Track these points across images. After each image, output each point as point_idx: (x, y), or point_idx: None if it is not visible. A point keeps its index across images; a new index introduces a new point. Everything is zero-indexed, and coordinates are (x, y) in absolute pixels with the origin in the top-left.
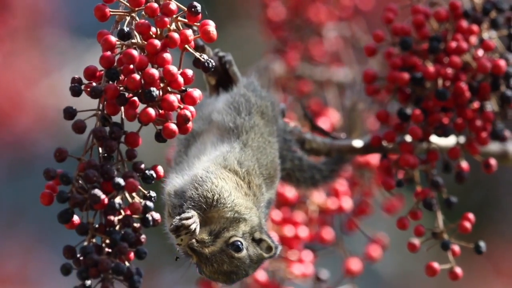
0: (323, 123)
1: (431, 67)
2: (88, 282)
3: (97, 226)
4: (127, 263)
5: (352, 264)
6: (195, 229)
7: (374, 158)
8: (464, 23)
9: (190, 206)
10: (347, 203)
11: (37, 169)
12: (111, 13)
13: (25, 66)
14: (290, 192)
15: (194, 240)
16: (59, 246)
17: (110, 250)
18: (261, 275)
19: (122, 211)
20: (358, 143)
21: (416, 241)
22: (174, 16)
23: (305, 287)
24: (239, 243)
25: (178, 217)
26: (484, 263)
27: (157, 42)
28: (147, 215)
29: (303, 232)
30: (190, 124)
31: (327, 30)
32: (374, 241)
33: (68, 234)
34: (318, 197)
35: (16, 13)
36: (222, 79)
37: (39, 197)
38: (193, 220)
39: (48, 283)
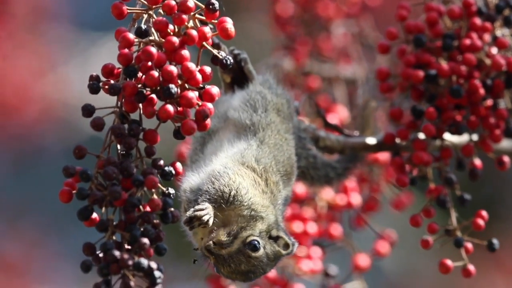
0: (332, 119)
1: (445, 65)
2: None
3: (116, 223)
4: (147, 260)
5: (360, 260)
6: (207, 220)
7: (382, 155)
8: (478, 21)
9: (205, 199)
10: (356, 199)
11: (43, 161)
12: (128, 10)
13: (31, 60)
14: (299, 188)
15: (211, 242)
16: (64, 239)
17: (130, 247)
18: (271, 272)
19: (141, 208)
20: (371, 140)
21: (430, 238)
22: (192, 13)
23: (314, 283)
24: (256, 242)
25: (191, 210)
26: (487, 260)
27: (175, 39)
28: (167, 211)
29: (312, 228)
30: (208, 121)
31: (335, 26)
32: (383, 237)
33: (74, 227)
34: (327, 194)
35: (22, 7)
36: (237, 76)
37: (45, 189)
38: (206, 211)
39: (53, 275)
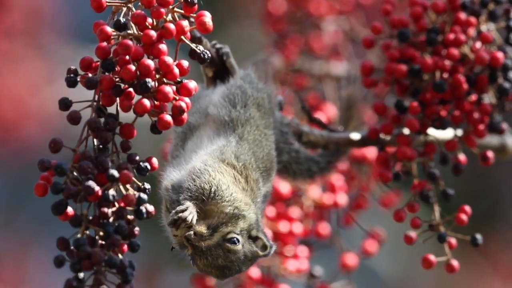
0: (320, 117)
1: (429, 59)
2: (81, 275)
3: (91, 218)
4: (120, 256)
5: (348, 259)
6: (191, 219)
7: (371, 152)
8: (462, 15)
9: (187, 197)
10: (343, 199)
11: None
12: (108, 3)
13: (30, 73)
14: (285, 187)
15: (192, 232)
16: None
17: (103, 243)
18: (254, 271)
19: (116, 203)
20: (355, 135)
21: (413, 233)
22: (170, 7)
23: (300, 283)
24: (235, 239)
25: (174, 211)
26: (482, 261)
27: (153, 33)
28: (141, 207)
29: (298, 228)
30: (185, 116)
31: (327, 23)
32: (371, 235)
33: (64, 231)
34: (313, 192)
35: (18, 19)
36: (219, 71)
37: (37, 200)
38: (189, 211)
39: (44, 280)
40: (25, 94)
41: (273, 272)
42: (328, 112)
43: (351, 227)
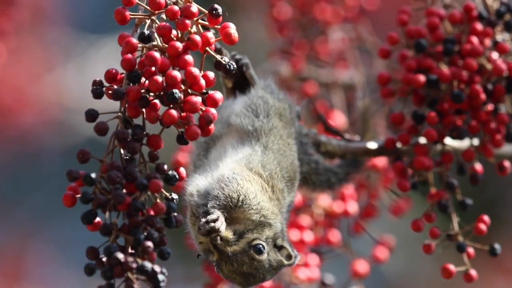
0: (331, 124)
1: (446, 70)
2: (112, 282)
3: (120, 226)
4: (150, 263)
5: (359, 266)
6: (222, 230)
7: (380, 161)
8: (479, 26)
9: (215, 206)
10: (353, 207)
11: (39, 163)
12: (131, 16)
13: (29, 62)
14: (296, 196)
15: (218, 238)
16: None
17: (133, 251)
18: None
19: (145, 212)
20: (372, 145)
21: (432, 243)
22: (195, 18)
23: None
24: (261, 246)
25: (204, 220)
26: (487, 261)
27: (179, 44)
28: (170, 216)
29: (309, 236)
30: (212, 126)
31: (333, 31)
32: (381, 243)
33: (64, 225)
34: (323, 201)
35: (19, 9)
36: (238, 82)
37: (42, 191)
38: (220, 221)
39: (43, 273)
40: (25, 82)
41: (284, 280)
42: (337, 120)
43: (361, 235)
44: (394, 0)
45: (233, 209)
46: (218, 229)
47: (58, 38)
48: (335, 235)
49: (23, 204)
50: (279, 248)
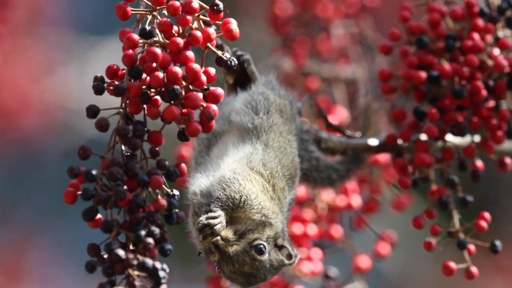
0: (332, 120)
1: (447, 66)
2: (113, 279)
3: (121, 223)
4: (151, 260)
5: (361, 262)
6: (218, 228)
7: (383, 156)
8: (480, 22)
9: (218, 206)
10: (356, 201)
11: (41, 164)
12: (133, 11)
13: (29, 63)
14: (299, 190)
15: (219, 237)
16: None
17: (134, 248)
18: None
19: (146, 208)
20: (373, 141)
21: (433, 240)
22: (196, 14)
23: (314, 285)
24: (262, 246)
25: (205, 216)
26: (485, 260)
27: (180, 40)
28: (172, 212)
29: (312, 230)
30: (213, 122)
31: (335, 27)
32: (383, 238)
33: (65, 223)
34: (327, 195)
35: (19, 9)
36: (239, 78)
37: (38, 190)
38: (219, 220)
39: (44, 272)
40: (26, 84)
41: (288, 274)
42: (339, 115)
43: (363, 230)
44: None
45: (235, 210)
46: (214, 226)
47: (58, 40)
48: (337, 230)
49: (24, 205)
50: (280, 247)
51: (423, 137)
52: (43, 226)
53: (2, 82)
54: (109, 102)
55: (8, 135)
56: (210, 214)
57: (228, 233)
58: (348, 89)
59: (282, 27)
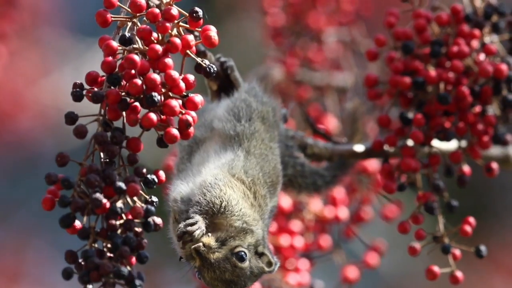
0: (320, 127)
1: (432, 72)
2: (90, 287)
3: (98, 230)
4: (128, 267)
5: (349, 272)
6: (198, 234)
7: (372, 165)
8: (466, 27)
9: (197, 211)
10: (344, 213)
11: (37, 168)
12: (113, 18)
13: (26, 66)
14: (286, 201)
15: (201, 244)
16: (52, 241)
17: (111, 255)
18: (256, 285)
19: (123, 216)
20: (359, 147)
21: (417, 244)
22: (176, 21)
23: None
24: (243, 253)
25: (183, 223)
26: (483, 261)
27: (159, 47)
28: (148, 219)
29: (299, 242)
30: (191, 130)
31: (327, 35)
32: (372, 248)
33: (62, 230)
34: (315, 206)
35: (20, 11)
36: (223, 84)
37: (35, 193)
38: (198, 226)
39: (41, 274)
40: (21, 86)
41: (274, 286)
42: (329, 124)
43: (352, 240)
44: (388, 4)
45: (215, 215)
46: (193, 232)
47: (55, 41)
48: (326, 240)
49: (22, 207)
50: (260, 255)
51: (409, 142)
52: (41, 228)
53: None
54: (94, 109)
55: (4, 137)
56: (188, 221)
57: (210, 240)
58: (339, 97)
59: (275, 37)
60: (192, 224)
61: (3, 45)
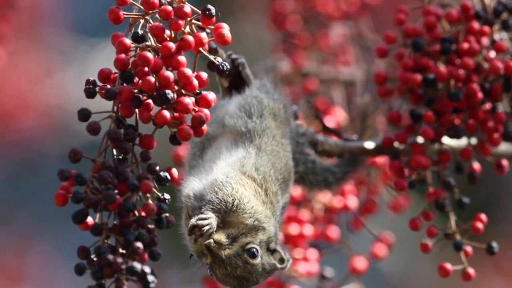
0: (329, 122)
1: (443, 68)
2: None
3: (111, 227)
4: (140, 264)
5: (357, 263)
6: (208, 230)
7: (380, 157)
8: (476, 25)
9: (209, 209)
10: (353, 202)
11: (41, 167)
12: (125, 15)
13: (29, 66)
14: (296, 191)
15: (212, 240)
16: (54, 242)
17: (124, 251)
18: None
19: (136, 212)
20: (370, 144)
21: (429, 241)
22: (188, 19)
23: (310, 285)
24: (254, 249)
25: (195, 217)
26: (485, 261)
27: (172, 45)
28: (161, 216)
29: (308, 230)
30: (205, 127)
31: (334, 27)
32: (380, 239)
33: (64, 227)
34: (324, 196)
35: (19, 12)
36: (235, 81)
37: (37, 193)
38: (209, 221)
39: (44, 275)
40: (25, 86)
41: (284, 274)
42: (337, 116)
43: (360, 231)
44: (397, 0)
45: (227, 213)
46: (203, 227)
47: (58, 42)
48: (334, 231)
49: (24, 208)
50: (272, 251)
51: (420, 139)
52: (43, 229)
53: (2, 85)
54: (106, 105)
55: (7, 137)
56: (200, 216)
57: (221, 236)
58: (346, 90)
59: (282, 23)
60: (203, 219)
61: (2, 47)
